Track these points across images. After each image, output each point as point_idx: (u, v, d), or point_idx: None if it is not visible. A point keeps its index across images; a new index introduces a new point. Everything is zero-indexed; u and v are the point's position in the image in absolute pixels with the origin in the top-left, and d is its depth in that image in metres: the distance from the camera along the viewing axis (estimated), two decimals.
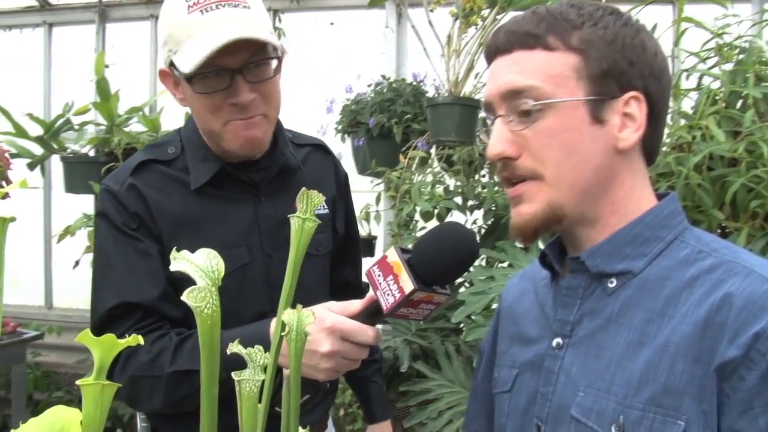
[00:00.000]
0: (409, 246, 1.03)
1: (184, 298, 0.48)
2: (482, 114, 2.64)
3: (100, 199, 1.34)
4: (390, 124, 2.70)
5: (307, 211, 0.73)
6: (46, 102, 4.05)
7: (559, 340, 0.94)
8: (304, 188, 0.74)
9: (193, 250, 1.32)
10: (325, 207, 1.46)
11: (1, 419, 3.51)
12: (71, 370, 3.73)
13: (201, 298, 0.49)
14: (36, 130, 3.23)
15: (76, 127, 3.28)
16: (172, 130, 1.49)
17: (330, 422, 1.61)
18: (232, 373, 0.57)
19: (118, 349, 0.52)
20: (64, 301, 4.07)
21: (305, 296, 1.06)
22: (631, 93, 0.88)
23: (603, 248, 0.91)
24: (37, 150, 3.29)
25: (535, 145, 0.89)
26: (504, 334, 1.09)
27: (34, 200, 4.06)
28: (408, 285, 0.94)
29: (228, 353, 0.58)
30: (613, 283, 0.91)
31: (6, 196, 0.75)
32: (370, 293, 1.01)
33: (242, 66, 1.22)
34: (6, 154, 0.74)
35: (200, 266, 0.51)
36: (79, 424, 0.48)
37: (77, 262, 3.09)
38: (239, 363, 0.59)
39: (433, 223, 2.51)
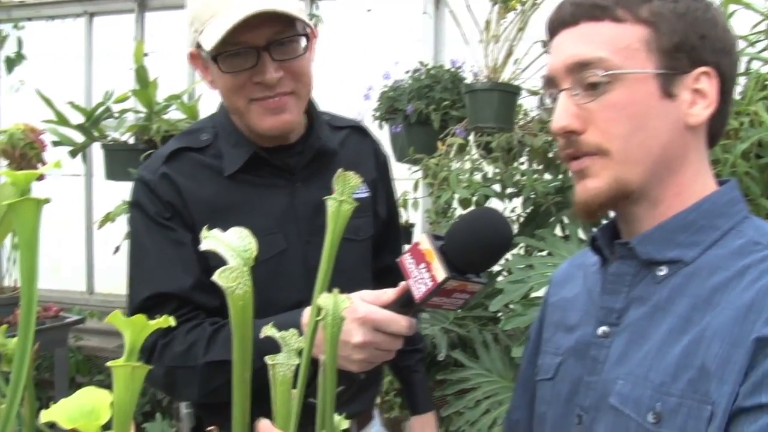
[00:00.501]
0: (443, 233, 1.01)
1: (215, 278, 0.47)
2: (529, 100, 2.62)
3: (134, 188, 1.33)
4: (428, 110, 2.67)
5: (343, 192, 0.71)
6: (87, 90, 4.11)
7: (605, 328, 0.91)
8: (340, 169, 0.72)
9: None
10: (366, 190, 1.43)
11: (46, 400, 3.59)
12: (111, 355, 3.79)
13: (233, 278, 0.47)
14: (77, 118, 3.28)
15: (116, 115, 3.32)
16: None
17: (376, 412, 1.57)
18: (266, 357, 0.56)
19: (148, 330, 0.51)
20: (105, 287, 4.14)
21: (345, 283, 1.04)
22: (702, 68, 0.85)
23: (654, 234, 0.88)
24: (79, 138, 3.34)
25: (601, 118, 0.86)
26: (550, 320, 1.06)
27: (75, 187, 4.13)
28: (440, 273, 0.91)
29: (261, 338, 0.57)
30: (662, 272, 0.87)
31: (41, 177, 0.75)
32: (403, 282, 0.98)
33: (268, 43, 1.20)
34: (41, 137, 0.74)
35: (232, 245, 0.49)
36: (109, 405, 0.47)
37: (117, 248, 3.12)
38: (273, 350, 0.58)
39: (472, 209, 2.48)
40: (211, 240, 0.49)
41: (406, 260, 0.95)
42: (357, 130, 1.51)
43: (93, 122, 3.32)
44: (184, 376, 1.23)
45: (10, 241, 3.16)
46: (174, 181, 1.29)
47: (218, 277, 0.47)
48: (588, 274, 1.01)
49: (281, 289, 1.29)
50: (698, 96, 0.86)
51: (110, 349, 3.81)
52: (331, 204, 0.70)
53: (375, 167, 1.49)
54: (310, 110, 1.40)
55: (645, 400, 0.81)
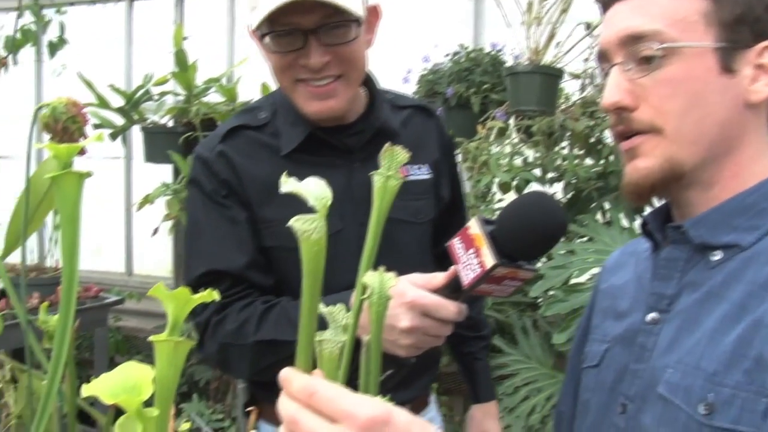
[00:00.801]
0: (494, 217, 0.97)
1: (291, 223, 0.47)
2: (571, 84, 2.57)
3: (193, 165, 1.33)
4: (468, 94, 2.63)
5: (390, 167, 0.69)
6: (128, 74, 4.15)
7: (654, 314, 0.87)
8: (387, 143, 0.70)
9: (281, 218, 1.29)
10: (428, 172, 1.39)
11: (86, 379, 3.64)
12: (149, 335, 3.83)
13: (309, 221, 0.47)
14: (117, 102, 3.31)
15: (156, 98, 3.34)
16: (249, 100, 1.47)
17: (432, 398, 1.53)
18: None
19: (192, 304, 0.49)
20: (143, 269, 4.19)
21: (402, 266, 0.97)
22: (767, 42, 0.80)
23: (709, 217, 0.83)
24: (119, 121, 3.37)
25: (655, 95, 0.81)
26: (599, 307, 1.02)
27: (115, 170, 4.17)
28: (489, 259, 0.87)
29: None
30: (717, 257, 0.82)
31: (83, 151, 0.74)
32: (453, 267, 0.94)
33: (316, 27, 1.18)
34: (83, 111, 0.73)
35: (309, 190, 0.52)
36: (151, 381, 0.45)
37: (156, 230, 3.15)
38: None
39: (511, 195, 2.44)
40: (290, 184, 0.51)
41: (456, 245, 0.92)
42: (421, 110, 1.46)
43: (133, 105, 3.35)
44: (235, 354, 1.23)
45: (52, 222, 3.21)
46: (230, 159, 1.28)
47: (294, 222, 0.49)
48: (639, 261, 0.97)
49: (335, 271, 1.26)
50: (761, 72, 0.80)
51: (148, 329, 3.85)
52: (377, 179, 0.68)
53: (438, 148, 1.44)
54: (371, 89, 1.37)
55: (696, 390, 0.77)
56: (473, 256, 0.89)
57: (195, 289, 1.29)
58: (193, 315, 1.28)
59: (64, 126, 0.78)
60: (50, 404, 0.72)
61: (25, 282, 0.82)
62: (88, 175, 0.71)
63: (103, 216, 4.25)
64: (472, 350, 1.55)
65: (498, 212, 2.44)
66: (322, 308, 0.55)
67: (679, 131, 0.81)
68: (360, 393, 0.70)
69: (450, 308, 0.97)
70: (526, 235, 0.88)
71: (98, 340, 3.05)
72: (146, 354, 3.82)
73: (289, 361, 0.94)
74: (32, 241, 3.18)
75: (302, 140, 1.28)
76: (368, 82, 1.37)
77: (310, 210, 1.33)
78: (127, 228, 4.21)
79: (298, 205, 1.30)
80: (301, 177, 1.28)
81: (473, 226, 0.90)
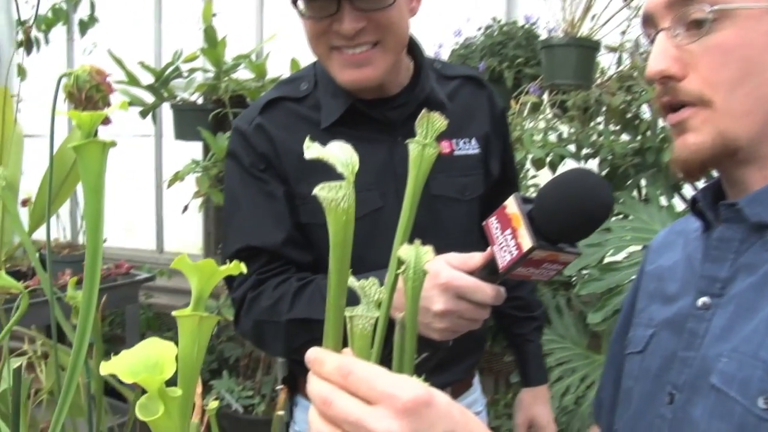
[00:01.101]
0: (532, 194, 0.91)
1: (316, 191, 0.45)
2: (607, 58, 2.49)
3: (231, 139, 1.30)
4: (501, 68, 2.57)
5: (427, 135, 0.65)
6: (157, 51, 4.14)
7: (706, 299, 0.80)
8: (424, 110, 0.66)
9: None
10: (476, 146, 1.32)
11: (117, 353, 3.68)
12: None
13: (335, 190, 0.44)
14: (147, 79, 3.30)
15: (185, 75, 3.32)
16: (278, 76, 1.43)
17: (476, 380, 1.48)
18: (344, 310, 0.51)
19: (218, 277, 0.46)
20: (174, 246, 4.21)
21: (447, 245, 0.95)
22: None
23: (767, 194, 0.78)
24: (149, 98, 3.37)
25: (704, 63, 0.75)
26: (645, 290, 0.96)
27: (146, 148, 4.18)
28: (526, 241, 0.81)
29: None
30: None
31: (108, 120, 0.71)
32: (490, 248, 0.89)
33: None
34: (107, 79, 0.70)
35: (335, 155, 0.48)
36: (174, 358, 0.42)
37: (185, 207, 3.14)
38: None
39: (545, 171, 2.38)
40: (314, 149, 0.47)
41: (492, 224, 0.87)
42: (471, 80, 1.37)
43: (162, 82, 3.34)
44: (270, 331, 1.21)
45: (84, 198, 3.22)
46: (268, 132, 1.24)
47: (320, 190, 0.45)
48: (688, 241, 0.90)
49: (374, 249, 1.21)
50: None
51: (179, 306, 3.84)
52: (413, 148, 0.64)
53: (489, 121, 1.36)
54: (417, 58, 1.30)
55: (755, 382, 0.70)
56: (510, 237, 0.84)
57: None
58: (230, 290, 1.26)
59: (87, 95, 0.75)
60: (75, 380, 0.70)
61: (51, 258, 0.80)
62: (113, 144, 0.68)
63: (135, 194, 4.27)
64: (523, 331, 1.49)
65: (534, 189, 2.40)
66: (353, 282, 0.52)
67: (730, 104, 0.74)
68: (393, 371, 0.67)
69: (487, 291, 0.91)
70: (567, 216, 0.82)
71: (129, 316, 3.07)
72: (176, 331, 3.84)
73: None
74: (65, 218, 3.20)
75: (342, 113, 1.23)
76: (414, 50, 1.30)
77: (358, 186, 1.30)
78: (158, 206, 4.23)
79: (337, 180, 1.27)
80: None
81: (510, 205, 0.85)
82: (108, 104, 0.77)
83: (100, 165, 0.67)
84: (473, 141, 1.32)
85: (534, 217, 0.83)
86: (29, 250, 0.86)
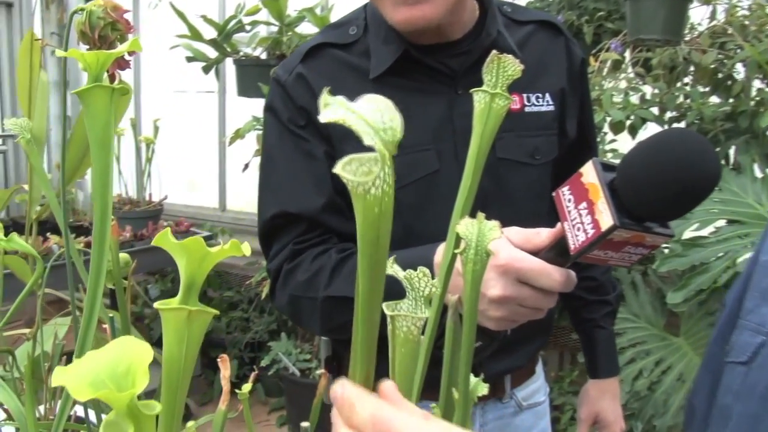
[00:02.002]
0: (616, 161, 0.73)
1: (337, 169, 0.30)
2: (698, 11, 2.27)
3: (270, 90, 1.15)
4: (579, 22, 2.39)
5: (497, 83, 0.52)
6: (221, 5, 4.06)
7: None
8: (494, 52, 0.53)
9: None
10: (550, 102, 1.14)
11: None
12: (241, 272, 3.84)
13: (364, 169, 0.30)
14: (210, 33, 3.22)
15: (248, 28, 3.23)
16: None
17: (539, 367, 1.32)
18: (383, 305, 0.39)
19: (211, 260, 0.35)
20: (236, 204, 4.17)
21: (513, 216, 0.81)
22: None
23: None
24: (212, 53, 3.29)
25: None
26: (757, 286, 0.79)
27: (210, 104, 4.13)
28: (606, 219, 0.67)
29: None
30: None
31: (124, 64, 0.61)
32: (560, 224, 0.75)
33: None
34: (125, 15, 0.61)
35: (365, 117, 0.31)
36: (147, 366, 0.32)
37: (246, 165, 3.08)
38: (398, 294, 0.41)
39: (624, 135, 2.20)
40: (335, 108, 0.31)
41: (564, 196, 0.72)
42: (546, 25, 1.18)
43: (225, 36, 3.25)
44: (306, 308, 1.08)
45: (145, 155, 3.20)
46: (310, 83, 1.08)
47: (342, 168, 0.30)
48: None
49: (430, 217, 1.08)
50: None
51: (240, 266, 3.85)
52: (479, 99, 0.52)
53: (566, 74, 1.17)
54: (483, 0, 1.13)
55: None
56: (585, 213, 0.69)
57: (267, 233, 1.14)
58: (266, 260, 1.15)
59: (101, 34, 0.65)
60: (87, 345, 0.62)
61: (65, 217, 0.71)
62: (123, 91, 0.58)
63: (198, 151, 4.25)
64: (594, 316, 1.31)
65: (612, 156, 2.23)
66: (398, 271, 0.40)
67: None
68: (444, 370, 0.55)
69: (554, 276, 0.77)
70: (660, 188, 0.67)
71: None
72: (236, 290, 3.83)
73: None
74: (127, 174, 3.19)
75: (395, 60, 1.07)
76: None
77: (406, 143, 1.14)
78: (221, 163, 4.19)
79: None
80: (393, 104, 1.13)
81: (588, 173, 0.70)
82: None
83: (108, 114, 0.57)
84: (547, 96, 1.14)
85: (617, 189, 0.68)
86: (55, 208, 0.77)
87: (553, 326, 1.40)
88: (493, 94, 0.51)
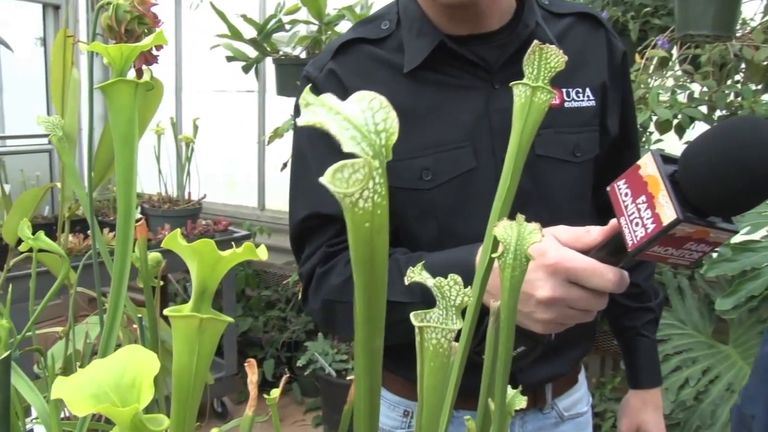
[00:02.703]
0: (677, 153, 0.69)
1: (324, 180, 0.26)
2: (751, 6, 2.19)
3: (300, 88, 1.13)
4: (625, 19, 2.32)
5: (539, 75, 0.49)
6: (261, 5, 4.07)
7: None
8: (535, 42, 0.50)
9: (403, 150, 0.98)
10: (591, 97, 1.08)
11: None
12: (279, 271, 3.84)
13: (353, 179, 0.26)
14: (250, 33, 3.23)
15: (288, 28, 3.23)
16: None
17: (582, 375, 1.25)
18: (411, 315, 0.36)
19: (225, 264, 0.32)
20: (275, 204, 4.18)
21: (553, 216, 0.79)
22: None
23: None
24: (252, 53, 3.30)
25: None
26: None
27: (249, 104, 4.15)
28: (668, 212, 0.63)
29: (407, 283, 0.37)
30: None
31: (151, 59, 0.58)
32: (614, 220, 0.71)
33: None
34: (152, 9, 0.59)
35: (351, 118, 0.27)
36: (152, 377, 0.29)
37: (285, 165, 3.07)
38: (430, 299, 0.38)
39: (671, 136, 2.13)
40: (315, 109, 0.27)
41: (620, 190, 0.69)
42: (586, 18, 1.13)
43: (265, 36, 3.26)
44: (340, 313, 1.04)
45: (185, 153, 3.22)
46: (341, 80, 1.05)
47: (332, 176, 0.26)
48: None
49: (466, 217, 1.03)
50: None
51: (278, 265, 3.85)
52: (519, 92, 0.48)
53: (607, 68, 1.12)
54: None
55: None
56: (645, 207, 0.66)
57: (299, 236, 1.11)
58: (298, 263, 1.12)
59: (128, 28, 0.63)
60: (111, 345, 0.60)
61: (92, 215, 0.70)
62: (148, 86, 0.56)
63: (238, 150, 4.27)
64: (635, 324, 1.24)
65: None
66: (427, 279, 0.37)
67: None
68: (483, 380, 0.52)
69: (607, 276, 0.73)
70: (728, 180, 0.62)
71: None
72: (274, 289, 3.83)
73: (403, 326, 0.76)
74: (166, 172, 3.21)
75: (429, 53, 1.03)
76: None
77: (441, 139, 1.08)
78: (260, 162, 4.20)
79: (423, 136, 1.10)
80: (426, 100, 1.02)
81: (647, 165, 0.67)
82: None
83: (131, 110, 0.55)
84: (587, 91, 1.09)
85: (679, 181, 0.64)
86: (85, 206, 0.76)
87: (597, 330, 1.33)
88: (535, 88, 0.48)
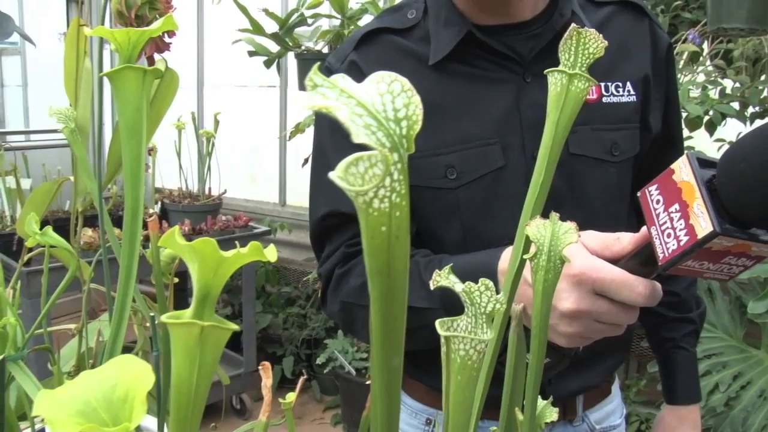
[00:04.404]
0: (715, 158, 0.63)
1: (335, 175, 0.23)
2: None
3: None
4: (655, 12, 2.25)
5: (576, 62, 0.45)
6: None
7: None
8: (573, 26, 0.46)
9: (427, 146, 0.93)
10: (632, 92, 1.01)
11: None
12: (299, 267, 3.82)
13: (368, 174, 0.23)
14: (272, 27, 3.21)
15: (310, 22, 3.20)
16: None
17: (616, 386, 1.18)
18: (437, 323, 0.32)
19: (229, 267, 0.29)
20: (296, 200, 4.16)
21: (588, 218, 0.74)
22: None
23: None
24: (274, 48, 3.28)
25: None
26: None
27: (271, 99, 4.13)
28: (703, 224, 0.58)
29: (433, 288, 0.34)
30: None
31: (162, 46, 0.55)
32: (645, 229, 0.66)
33: None
34: None
35: (366, 104, 0.23)
36: (146, 392, 0.26)
37: (306, 160, 3.04)
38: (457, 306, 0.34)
39: (702, 133, 2.07)
40: (323, 91, 0.23)
41: (651, 196, 0.63)
42: (628, 6, 1.06)
43: (287, 30, 3.23)
44: (358, 316, 1.00)
45: (206, 148, 3.20)
46: (363, 72, 0.99)
47: (342, 172, 0.23)
48: None
49: (492, 220, 0.98)
50: None
51: (299, 261, 3.83)
52: (554, 80, 0.45)
53: (650, 60, 1.04)
54: None
55: None
56: (678, 216, 0.60)
57: (318, 234, 1.06)
58: (318, 263, 1.08)
59: (138, 14, 0.60)
60: (118, 346, 0.58)
61: (102, 207, 0.67)
62: (157, 73, 0.53)
63: (259, 145, 4.25)
64: (674, 336, 1.17)
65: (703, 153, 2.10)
66: (455, 284, 0.33)
67: None
68: (505, 389, 0.48)
69: (637, 288, 0.67)
70: None
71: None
72: (294, 286, 3.81)
73: (424, 333, 0.71)
74: (187, 168, 3.20)
75: (457, 44, 0.97)
76: None
77: (469, 135, 1.00)
78: (282, 158, 4.18)
79: (450, 131, 1.04)
80: (453, 93, 0.96)
81: (681, 169, 0.61)
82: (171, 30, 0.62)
83: (139, 98, 0.52)
84: (628, 85, 1.02)
85: (718, 188, 0.58)
86: (96, 200, 0.73)
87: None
88: (572, 75, 0.44)
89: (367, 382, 0.75)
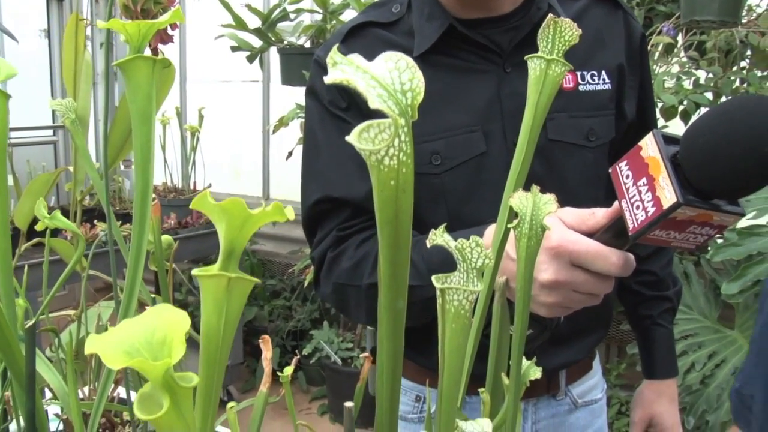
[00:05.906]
0: (678, 134, 0.67)
1: (351, 138, 0.27)
2: None
3: (310, 73, 1.12)
4: (630, 5, 2.31)
5: (553, 49, 0.49)
6: None
7: None
8: (550, 16, 0.50)
9: (415, 134, 1.05)
10: (606, 80, 1.07)
11: None
12: (284, 260, 3.85)
13: (378, 138, 0.27)
14: (255, 22, 3.23)
15: (292, 17, 3.23)
16: None
17: (597, 362, 1.24)
18: (433, 278, 0.36)
19: (253, 224, 0.33)
20: (280, 193, 4.19)
21: (567, 202, 0.74)
22: None
23: None
24: (257, 42, 3.30)
25: None
26: None
27: (254, 93, 4.15)
28: (668, 195, 0.62)
29: (429, 246, 0.38)
30: None
31: (166, 38, 0.59)
32: (617, 203, 0.70)
33: None
34: None
35: (378, 77, 0.28)
36: (183, 336, 0.30)
37: (290, 153, 3.08)
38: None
39: (676, 122, 2.13)
40: (343, 68, 0.27)
41: (621, 171, 0.68)
42: None
43: (269, 25, 3.25)
44: (351, 297, 1.04)
45: (190, 143, 3.22)
46: None
47: (356, 136, 0.27)
48: None
49: (476, 204, 1.03)
50: None
51: (283, 254, 3.87)
52: (534, 65, 0.49)
53: (624, 50, 1.10)
54: None
55: None
56: (646, 189, 0.65)
57: (311, 220, 1.11)
58: (310, 247, 1.12)
59: (143, 8, 0.64)
60: (131, 315, 0.61)
61: (107, 195, 0.71)
62: (165, 63, 0.56)
63: (242, 139, 4.28)
64: (652, 313, 1.23)
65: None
66: (449, 242, 0.37)
67: None
68: (491, 354, 0.53)
69: (611, 259, 0.72)
70: (732, 161, 0.60)
71: None
72: (279, 279, 3.84)
73: (415, 309, 0.75)
74: (172, 162, 3.22)
75: (440, 38, 1.02)
76: None
77: (452, 123, 1.03)
78: (264, 151, 4.21)
79: (433, 120, 1.09)
80: (437, 84, 1.01)
81: (648, 146, 0.66)
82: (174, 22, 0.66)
83: (149, 87, 0.56)
84: (603, 74, 1.07)
85: (681, 162, 0.63)
86: (99, 190, 0.77)
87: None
88: (549, 60, 0.48)
89: (363, 354, 0.79)
